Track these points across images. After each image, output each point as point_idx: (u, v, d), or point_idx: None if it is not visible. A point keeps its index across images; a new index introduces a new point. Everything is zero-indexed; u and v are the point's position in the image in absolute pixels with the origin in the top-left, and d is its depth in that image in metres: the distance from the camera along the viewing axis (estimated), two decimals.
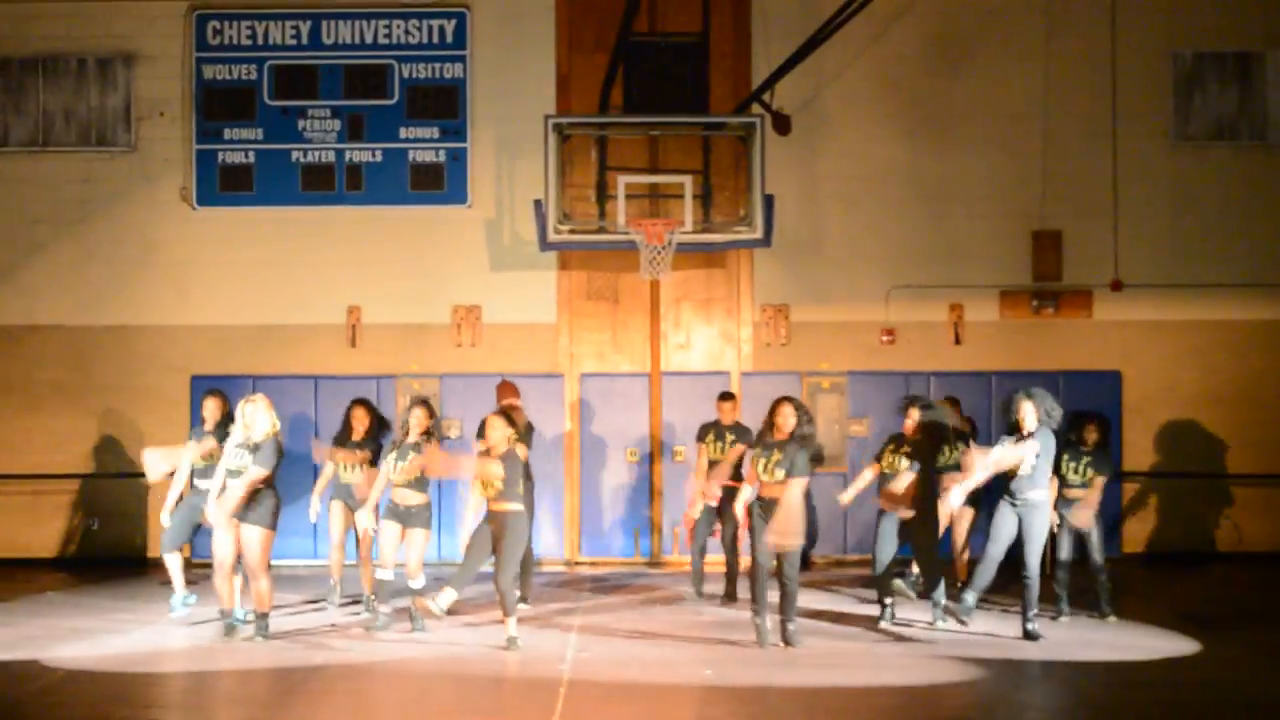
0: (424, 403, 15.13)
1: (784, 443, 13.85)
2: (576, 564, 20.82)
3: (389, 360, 21.00)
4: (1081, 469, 15.47)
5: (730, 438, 16.90)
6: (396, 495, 14.86)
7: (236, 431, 14.41)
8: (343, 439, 16.28)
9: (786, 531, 13.64)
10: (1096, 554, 15.55)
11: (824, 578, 19.01)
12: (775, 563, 13.87)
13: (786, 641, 13.83)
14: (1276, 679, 13.03)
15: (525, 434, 16.25)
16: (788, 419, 13.89)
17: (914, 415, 15.25)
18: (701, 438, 17.19)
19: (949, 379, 20.71)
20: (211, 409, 15.86)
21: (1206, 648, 14.15)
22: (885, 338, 21.23)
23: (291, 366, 20.93)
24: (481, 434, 15.78)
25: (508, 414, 14.52)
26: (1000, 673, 12.96)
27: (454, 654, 13.77)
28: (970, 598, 14.40)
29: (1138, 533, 21.14)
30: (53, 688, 12.38)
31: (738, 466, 16.19)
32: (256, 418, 14.29)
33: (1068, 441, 15.68)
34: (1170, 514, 21.24)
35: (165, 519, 15.60)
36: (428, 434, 14.90)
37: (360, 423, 16.20)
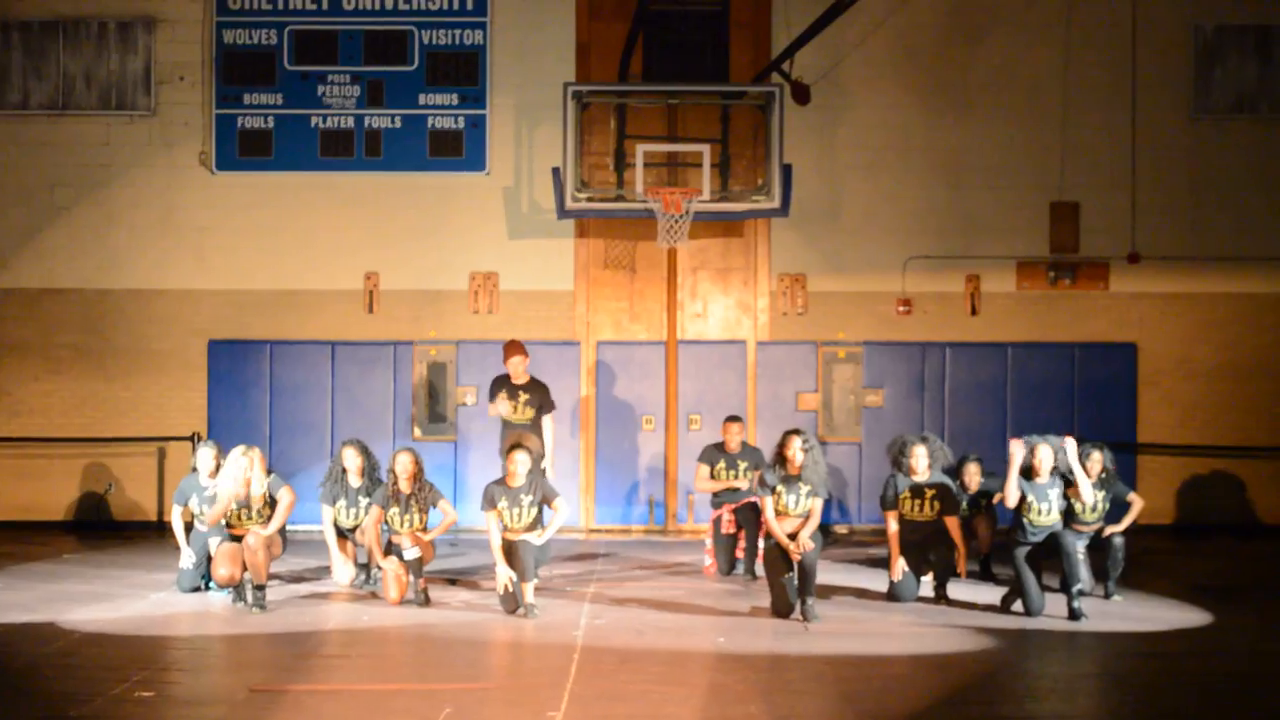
0: (408, 449, 15.09)
1: (800, 475, 14.26)
2: (591, 531, 20.87)
3: (406, 326, 21.05)
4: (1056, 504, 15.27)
5: (743, 465, 16.94)
6: (396, 539, 14.82)
7: (226, 483, 14.40)
8: (338, 484, 15.77)
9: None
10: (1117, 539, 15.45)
11: (841, 553, 19.04)
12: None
13: (805, 617, 13.85)
14: None
15: (544, 396, 17.39)
16: (797, 453, 14.25)
17: (918, 454, 15.11)
18: (711, 463, 17.07)
19: (965, 350, 20.76)
20: (207, 460, 15.36)
21: (1218, 619, 14.19)
22: (901, 308, 21.23)
23: (309, 332, 20.99)
24: (492, 397, 16.27)
25: (525, 445, 14.51)
26: (1011, 643, 13.01)
27: (468, 620, 13.84)
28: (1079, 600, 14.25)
29: (1153, 505, 21.07)
30: (70, 649, 12.46)
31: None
32: (254, 481, 14.37)
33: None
34: (1185, 486, 21.24)
35: (187, 560, 15.31)
36: (418, 481, 14.88)
37: (354, 463, 15.74)
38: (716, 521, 16.88)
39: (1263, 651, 12.99)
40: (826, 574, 15.76)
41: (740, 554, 16.74)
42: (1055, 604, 14.14)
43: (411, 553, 14.57)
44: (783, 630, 13.41)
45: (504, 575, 14.01)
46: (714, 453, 17.14)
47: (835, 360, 21.06)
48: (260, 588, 14.22)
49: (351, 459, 15.68)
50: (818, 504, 14.28)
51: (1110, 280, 21.30)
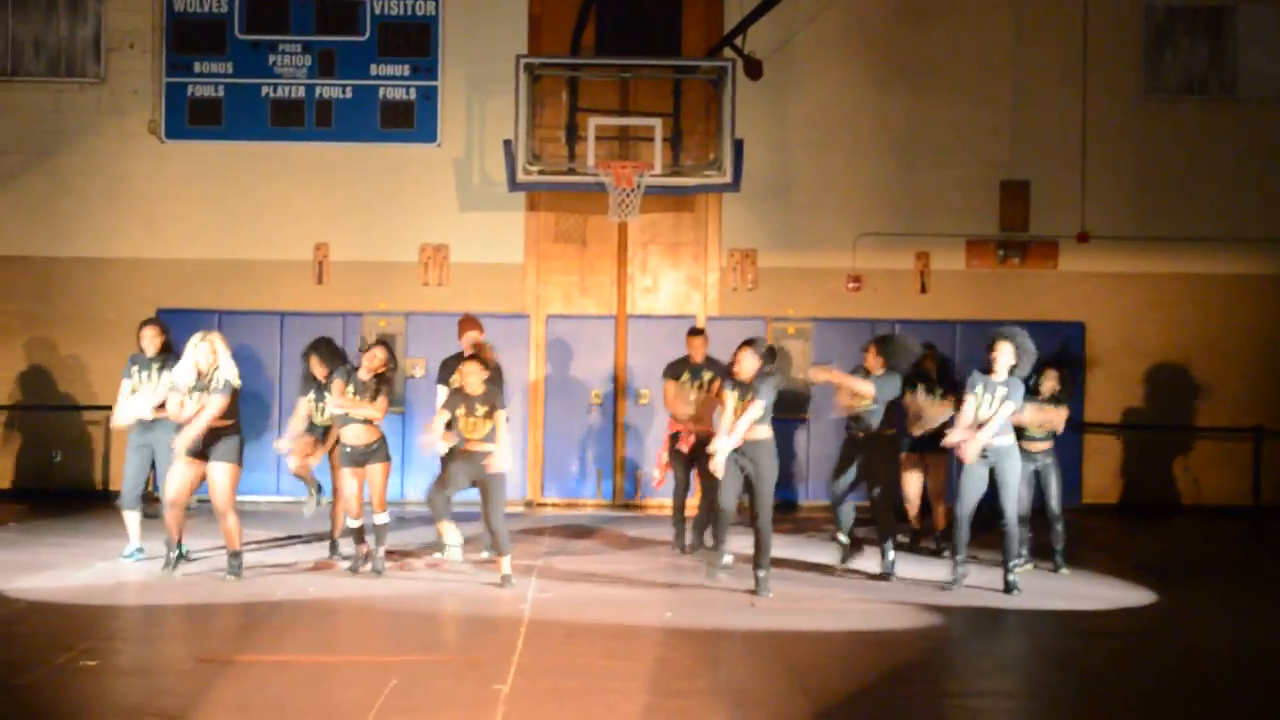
0: (383, 344, 14.98)
1: (752, 383, 13.96)
2: (539, 505, 20.88)
3: (356, 298, 20.99)
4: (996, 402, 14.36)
5: (707, 375, 16.28)
6: (349, 436, 14.67)
7: (186, 368, 14.16)
8: (311, 386, 15.76)
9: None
10: (1055, 503, 15.55)
11: (790, 528, 19.08)
12: (749, 509, 14.12)
13: (757, 591, 13.86)
14: (1229, 629, 13.19)
15: (496, 376, 16.19)
16: (744, 363, 14.02)
17: (872, 350, 15.21)
18: (676, 375, 16.53)
19: (914, 327, 20.70)
20: (151, 338, 15.57)
21: (1162, 598, 14.30)
22: (851, 285, 21.28)
23: (258, 302, 20.91)
24: (444, 379, 15.58)
25: (481, 359, 14.58)
26: (958, 620, 13.07)
27: (415, 592, 13.84)
28: (961, 567, 14.39)
29: (1098, 484, 21.27)
30: (15, 617, 12.43)
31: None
32: (223, 359, 14.15)
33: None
34: (1131, 466, 21.38)
35: (124, 416, 15.28)
36: (379, 376, 14.75)
37: (319, 370, 15.77)
38: (674, 437, 16.31)
39: (1206, 631, 13.10)
40: (774, 549, 15.78)
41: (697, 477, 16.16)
42: (993, 578, 14.23)
43: (382, 517, 14.64)
44: (730, 605, 13.44)
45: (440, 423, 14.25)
46: (678, 366, 16.59)
47: (785, 336, 21.09)
48: (236, 555, 14.25)
49: (317, 365, 15.58)
50: (757, 405, 13.82)
51: (1059, 259, 21.39)
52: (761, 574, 13.93)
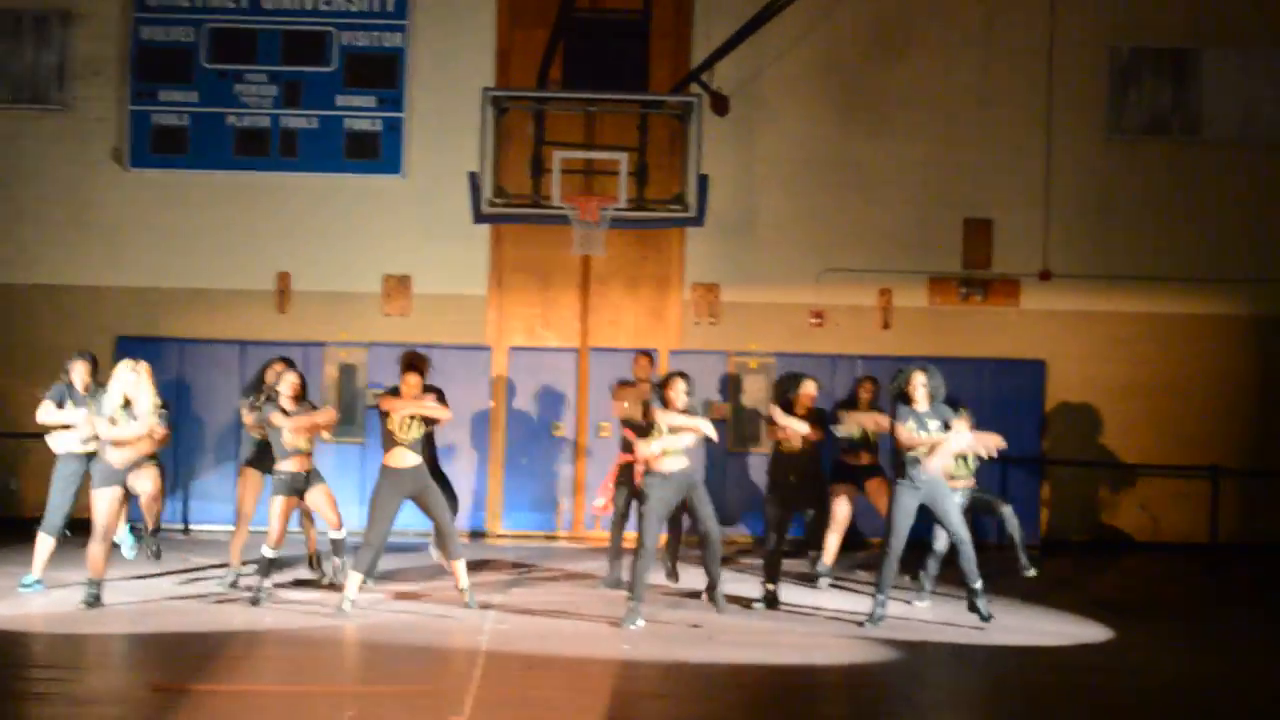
0: (291, 365, 15.13)
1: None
2: (498, 537, 20.83)
3: (318, 328, 20.93)
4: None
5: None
6: (287, 464, 14.70)
7: (112, 397, 14.20)
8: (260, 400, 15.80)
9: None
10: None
11: (749, 562, 19.09)
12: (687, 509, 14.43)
13: (714, 604, 14.28)
14: (1184, 665, 13.24)
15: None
16: (680, 395, 14.09)
17: (807, 388, 15.40)
18: (621, 396, 16.69)
19: (876, 363, 20.75)
20: (83, 374, 15.51)
21: (1119, 634, 14.33)
22: (814, 320, 21.31)
23: (220, 331, 20.84)
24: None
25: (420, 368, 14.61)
26: (918, 655, 13.08)
27: (373, 622, 13.79)
28: (882, 601, 14.24)
29: (1056, 521, 21.30)
30: None
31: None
32: (140, 391, 14.18)
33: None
34: (1090, 503, 21.41)
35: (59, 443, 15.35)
36: (300, 399, 14.80)
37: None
38: (624, 467, 16.07)
39: (1161, 667, 13.14)
40: (735, 584, 15.77)
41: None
42: (954, 611, 14.25)
43: (339, 533, 14.65)
44: (689, 639, 13.43)
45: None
46: (625, 386, 16.70)
47: (746, 370, 21.12)
48: (156, 531, 14.54)
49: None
50: (706, 422, 14.13)
51: (1021, 297, 21.45)
52: (717, 588, 14.34)
